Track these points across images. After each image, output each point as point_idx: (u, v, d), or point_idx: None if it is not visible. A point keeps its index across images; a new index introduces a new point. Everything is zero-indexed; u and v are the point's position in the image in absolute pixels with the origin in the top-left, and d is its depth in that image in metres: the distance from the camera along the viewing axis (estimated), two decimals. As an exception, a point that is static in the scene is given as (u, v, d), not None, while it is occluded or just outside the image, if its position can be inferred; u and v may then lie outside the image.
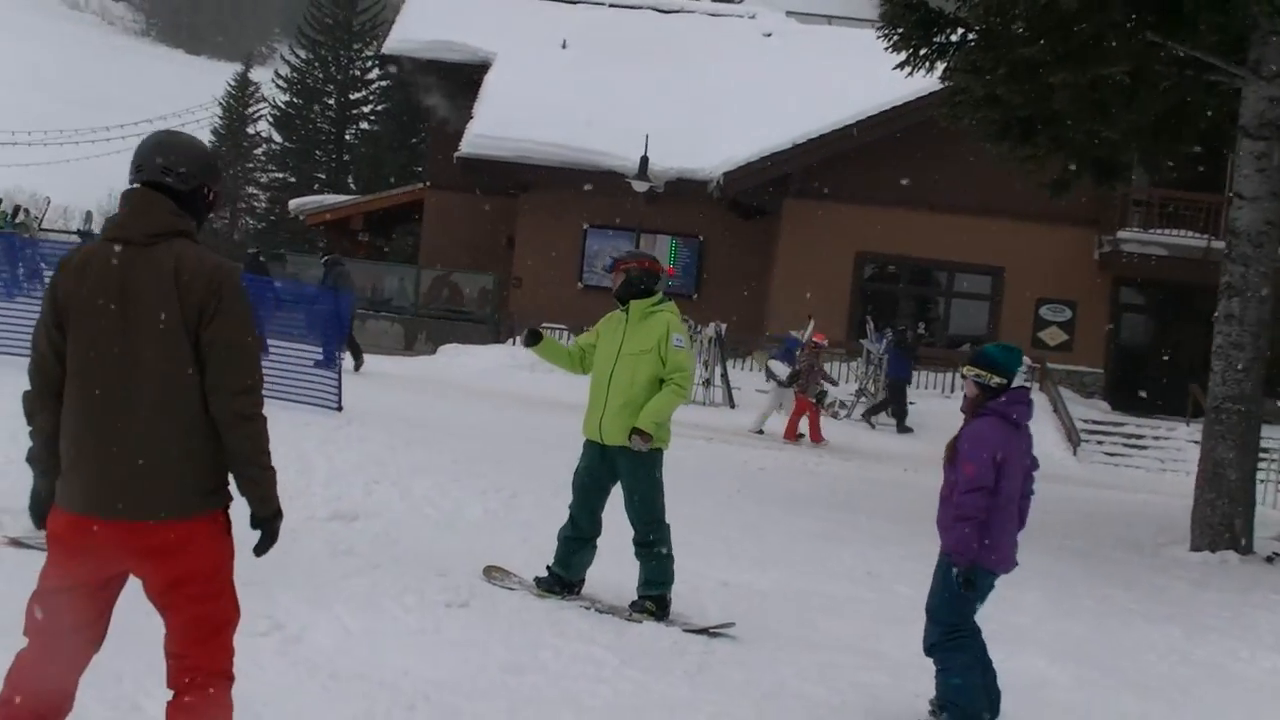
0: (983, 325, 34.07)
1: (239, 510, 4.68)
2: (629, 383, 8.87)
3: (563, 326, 29.85)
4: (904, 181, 33.23)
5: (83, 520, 4.42)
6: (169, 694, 4.62)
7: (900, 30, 16.61)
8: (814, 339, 24.93)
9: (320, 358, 18.55)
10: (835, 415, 24.53)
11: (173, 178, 4.54)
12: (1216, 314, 15.30)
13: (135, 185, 4.58)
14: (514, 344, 32.56)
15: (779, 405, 24.69)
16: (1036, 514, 16.96)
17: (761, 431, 24.34)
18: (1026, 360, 22.72)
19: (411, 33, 41.47)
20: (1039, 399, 29.50)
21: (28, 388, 4.57)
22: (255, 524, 4.61)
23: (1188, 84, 15.65)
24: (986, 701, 7.05)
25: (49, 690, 4.52)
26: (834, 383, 26.13)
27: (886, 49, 17.11)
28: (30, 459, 4.61)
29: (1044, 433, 27.51)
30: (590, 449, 9.14)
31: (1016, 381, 21.07)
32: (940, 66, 16.80)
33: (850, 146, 33.26)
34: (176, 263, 4.42)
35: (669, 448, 9.15)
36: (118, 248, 4.47)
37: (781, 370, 23.97)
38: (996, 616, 10.03)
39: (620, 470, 8.96)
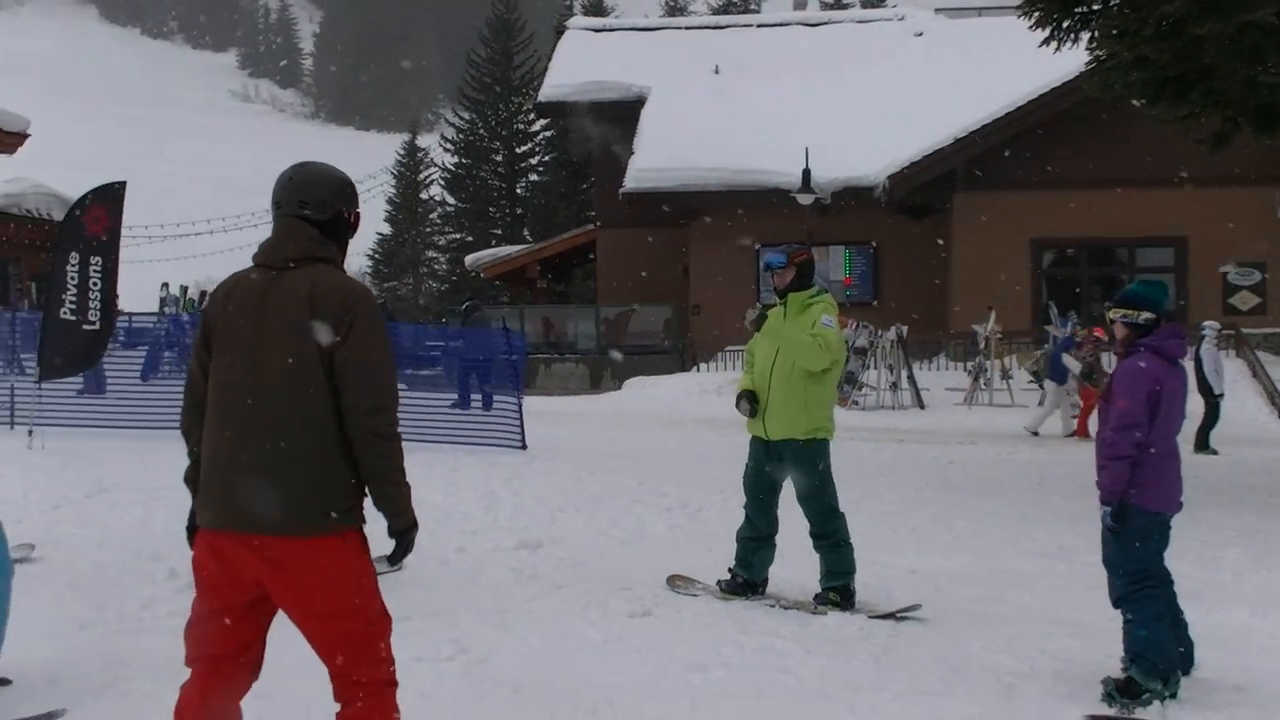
0: (1170, 299, 33.24)
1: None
2: (789, 374, 8.85)
3: (744, 349, 29.80)
4: (1072, 162, 32.71)
5: (211, 536, 4.56)
6: (336, 706, 4.72)
7: (1040, 6, 16.41)
8: (1094, 333, 24.03)
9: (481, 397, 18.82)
10: None
11: (310, 209, 4.70)
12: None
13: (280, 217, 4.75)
14: (697, 371, 32.70)
15: (1058, 404, 23.84)
16: (1240, 476, 16.78)
17: (1037, 433, 23.36)
18: (1217, 325, 22.17)
19: (565, 78, 42.00)
20: (1237, 366, 28.79)
21: (185, 419, 4.75)
22: (391, 535, 4.68)
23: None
24: (1176, 653, 6.88)
25: (212, 716, 4.65)
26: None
27: (1030, 27, 16.91)
28: (186, 479, 4.75)
29: (1245, 398, 26.89)
30: (756, 446, 9.15)
31: (1208, 341, 20.39)
32: (1085, 36, 16.54)
33: (1013, 134, 32.92)
34: (312, 286, 4.55)
35: (834, 438, 9.07)
36: (261, 272, 4.65)
37: (1075, 365, 23.17)
38: (1196, 575, 9.89)
39: (787, 464, 8.95)
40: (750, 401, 9.13)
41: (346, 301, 4.54)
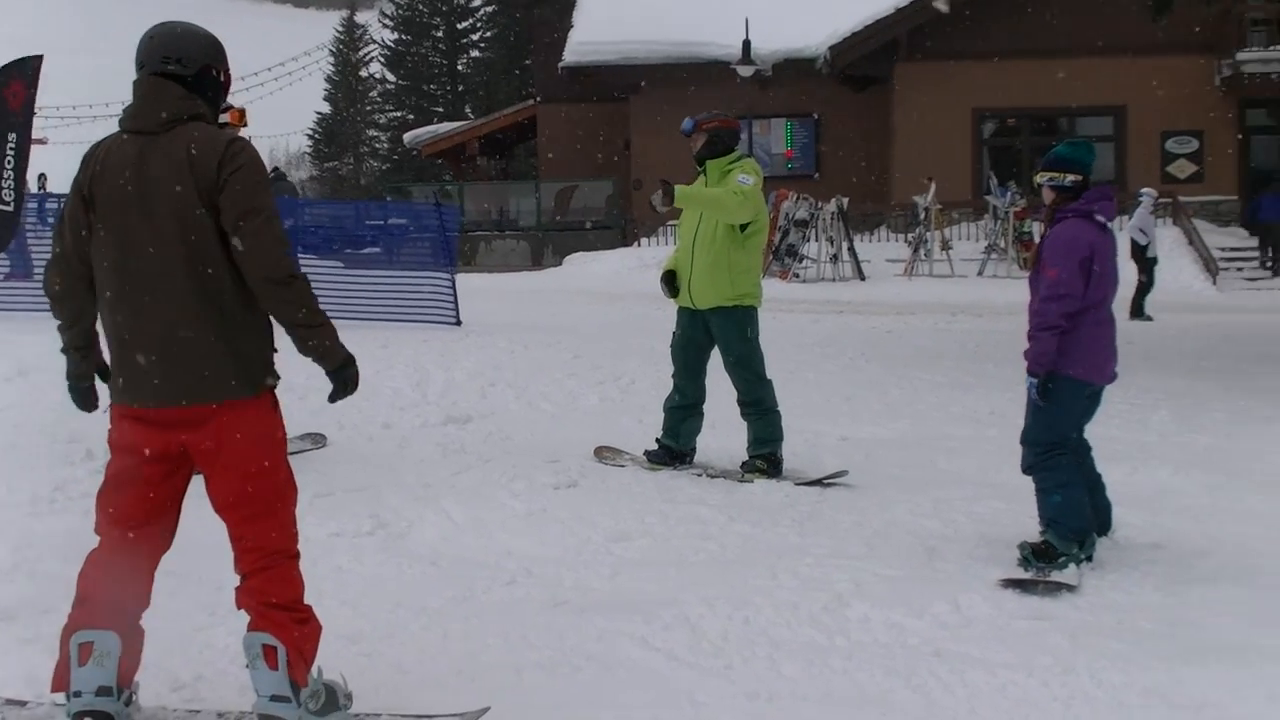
0: (1110, 167, 33.24)
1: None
2: (711, 239, 8.75)
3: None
4: (1015, 31, 32.45)
5: (128, 410, 4.45)
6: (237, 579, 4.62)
7: None
8: None
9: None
10: None
11: (175, 65, 4.47)
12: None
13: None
14: (638, 246, 32.57)
15: None
16: (1172, 341, 16.83)
17: None
18: (1154, 193, 22.17)
19: (502, -51, 41.28)
20: (1173, 233, 28.91)
21: (56, 286, 4.56)
22: (330, 379, 4.54)
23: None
24: (1092, 516, 6.83)
25: (122, 583, 4.54)
26: None
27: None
28: (67, 348, 4.61)
29: (1181, 265, 27.10)
30: (683, 315, 9.11)
31: (1142, 209, 20.28)
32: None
33: (957, 2, 32.53)
34: (189, 144, 4.36)
35: (760, 305, 9.00)
36: (133, 139, 4.44)
37: None
38: (1122, 437, 9.92)
39: (714, 332, 8.89)
40: (669, 284, 9.11)
41: (224, 154, 4.35)
